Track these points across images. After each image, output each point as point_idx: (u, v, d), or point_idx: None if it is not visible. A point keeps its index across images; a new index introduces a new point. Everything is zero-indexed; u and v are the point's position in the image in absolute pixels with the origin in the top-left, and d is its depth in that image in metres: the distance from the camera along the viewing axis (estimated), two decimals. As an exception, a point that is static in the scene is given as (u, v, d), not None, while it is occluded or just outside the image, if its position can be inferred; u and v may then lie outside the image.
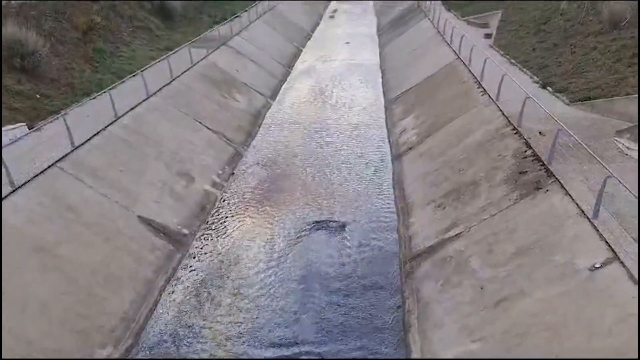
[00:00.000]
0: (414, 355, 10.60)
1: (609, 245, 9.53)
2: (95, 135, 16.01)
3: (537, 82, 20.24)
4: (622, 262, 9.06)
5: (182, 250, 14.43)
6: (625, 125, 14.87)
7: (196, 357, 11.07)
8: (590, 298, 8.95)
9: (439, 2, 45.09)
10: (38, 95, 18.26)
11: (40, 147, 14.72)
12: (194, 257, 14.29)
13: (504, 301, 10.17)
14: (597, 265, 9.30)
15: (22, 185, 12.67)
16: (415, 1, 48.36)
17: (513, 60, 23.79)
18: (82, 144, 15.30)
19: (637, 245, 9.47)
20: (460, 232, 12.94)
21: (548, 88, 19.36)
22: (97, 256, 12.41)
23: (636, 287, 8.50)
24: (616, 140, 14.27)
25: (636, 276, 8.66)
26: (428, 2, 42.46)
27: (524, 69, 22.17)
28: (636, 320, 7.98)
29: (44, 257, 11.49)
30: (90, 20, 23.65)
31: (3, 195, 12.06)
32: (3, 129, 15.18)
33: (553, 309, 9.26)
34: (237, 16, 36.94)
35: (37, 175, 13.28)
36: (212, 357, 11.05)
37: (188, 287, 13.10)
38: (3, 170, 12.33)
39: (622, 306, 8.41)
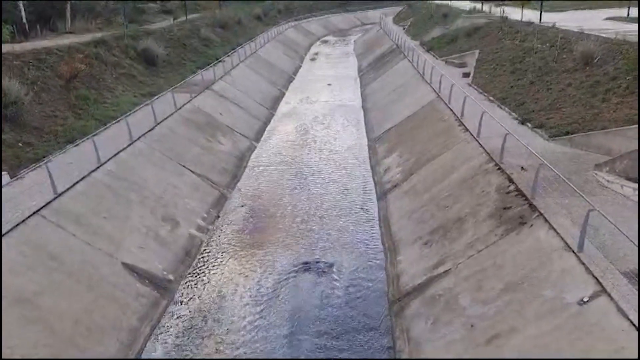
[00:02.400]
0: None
1: (596, 279, 9.57)
2: (78, 182, 15.86)
3: (516, 119, 20.71)
4: (609, 295, 9.08)
5: (168, 296, 14.14)
6: (603, 159, 15.20)
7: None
8: (581, 333, 8.91)
9: (418, 43, 46.50)
10: (20, 144, 18.14)
11: (22, 195, 14.52)
12: (180, 304, 13.99)
13: (495, 338, 10.07)
14: (585, 299, 9.31)
15: (3, 234, 12.42)
16: (394, 43, 49.70)
17: (492, 98, 24.37)
18: (65, 191, 15.13)
19: (623, 277, 9.53)
20: (449, 269, 12.91)
21: (527, 124, 19.81)
22: (80, 305, 12.09)
23: (625, 320, 8.50)
24: (595, 174, 14.56)
25: (625, 309, 8.68)
26: (407, 44, 43.67)
27: (503, 106, 22.71)
28: (628, 353, 7.96)
29: (25, 308, 11.15)
30: (74, 68, 23.80)
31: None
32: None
33: (545, 345, 9.18)
34: (221, 61, 37.59)
35: (19, 224, 13.03)
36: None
37: (174, 335, 12.76)
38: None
39: (613, 340, 8.38)
